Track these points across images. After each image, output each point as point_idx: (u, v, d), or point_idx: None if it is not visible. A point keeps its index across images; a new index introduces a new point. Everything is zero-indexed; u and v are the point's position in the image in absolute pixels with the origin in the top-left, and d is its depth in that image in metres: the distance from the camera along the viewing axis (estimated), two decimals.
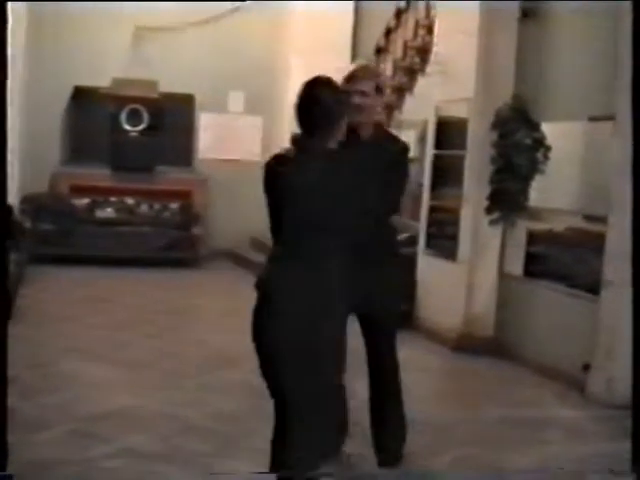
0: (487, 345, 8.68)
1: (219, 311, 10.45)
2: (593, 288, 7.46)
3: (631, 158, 4.56)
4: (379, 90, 5.11)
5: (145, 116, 13.37)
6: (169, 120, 13.60)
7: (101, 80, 13.16)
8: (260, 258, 13.29)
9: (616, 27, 7.29)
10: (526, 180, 8.46)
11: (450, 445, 5.84)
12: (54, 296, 10.37)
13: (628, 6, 7.13)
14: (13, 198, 10.43)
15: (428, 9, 10.81)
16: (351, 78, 5.05)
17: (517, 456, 5.89)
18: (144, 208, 13.31)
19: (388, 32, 11.94)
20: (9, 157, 4.54)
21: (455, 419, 6.47)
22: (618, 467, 5.85)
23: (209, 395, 6.82)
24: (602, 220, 7.37)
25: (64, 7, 13.28)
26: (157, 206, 13.36)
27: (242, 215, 14.04)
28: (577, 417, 6.93)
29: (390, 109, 11.35)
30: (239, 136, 14.73)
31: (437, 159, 9.62)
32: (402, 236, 10.12)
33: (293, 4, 14.21)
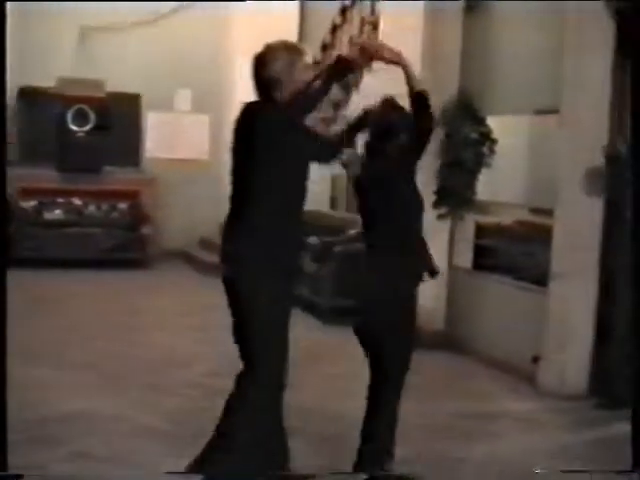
0: (438, 339, 8.71)
1: (168, 311, 10.39)
2: (541, 280, 7.51)
3: (631, 156, 4.60)
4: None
5: (92, 116, 13.24)
6: (116, 120, 13.47)
7: (47, 80, 13.03)
8: (210, 258, 13.27)
9: (561, 20, 7.35)
10: (473, 174, 8.51)
11: (403, 438, 5.84)
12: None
13: None
14: None
15: (373, 6, 10.83)
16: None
17: (469, 448, 5.92)
18: (92, 209, 13.20)
19: (334, 29, 11.95)
20: None
21: (407, 412, 6.46)
22: (570, 457, 5.92)
23: (159, 396, 6.77)
24: (549, 212, 7.43)
25: (9, 6, 13.10)
26: (105, 207, 13.25)
27: (191, 214, 14.00)
28: (528, 409, 6.98)
29: (336, 106, 11.34)
30: (186, 135, 14.67)
31: None
32: (351, 232, 10.16)
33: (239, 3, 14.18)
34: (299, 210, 4.79)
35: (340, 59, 4.71)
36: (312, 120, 4.85)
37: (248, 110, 4.78)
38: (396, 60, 4.93)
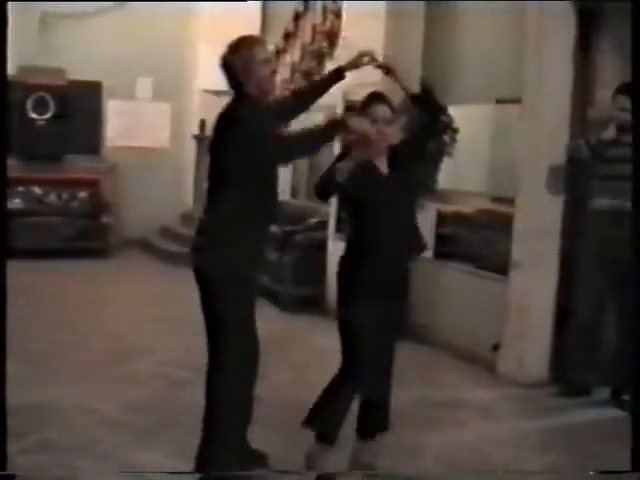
0: None
1: (130, 301, 10.36)
2: (502, 269, 7.55)
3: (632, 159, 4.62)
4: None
5: (52, 104, 13.15)
6: (76, 108, 13.39)
7: (7, 68, 12.90)
8: (171, 247, 13.23)
9: (523, 10, 7.38)
10: (434, 163, 8.53)
11: None
12: None
13: None
14: None
15: None
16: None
17: (431, 436, 5.96)
18: (52, 198, 13.10)
19: (297, 17, 11.93)
20: None
21: None
22: (528, 445, 5.97)
23: (122, 387, 6.75)
24: (510, 201, 7.47)
25: None
26: (65, 195, 13.16)
27: (152, 203, 13.93)
28: (489, 397, 7.02)
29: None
30: (147, 123, 14.56)
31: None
32: (311, 220, 10.16)
33: None
34: (269, 204, 4.90)
35: (337, 124, 4.72)
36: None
37: (225, 110, 4.88)
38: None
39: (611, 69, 7.29)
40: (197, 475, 4.83)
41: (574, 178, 7.08)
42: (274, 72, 4.96)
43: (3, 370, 4.06)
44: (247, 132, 4.59)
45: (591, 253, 6.85)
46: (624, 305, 6.68)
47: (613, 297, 6.81)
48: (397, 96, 5.41)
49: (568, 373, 7.05)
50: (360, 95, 9.19)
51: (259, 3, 14.38)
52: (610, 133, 6.72)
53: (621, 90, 6.70)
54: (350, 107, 9.52)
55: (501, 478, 5.57)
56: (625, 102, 6.56)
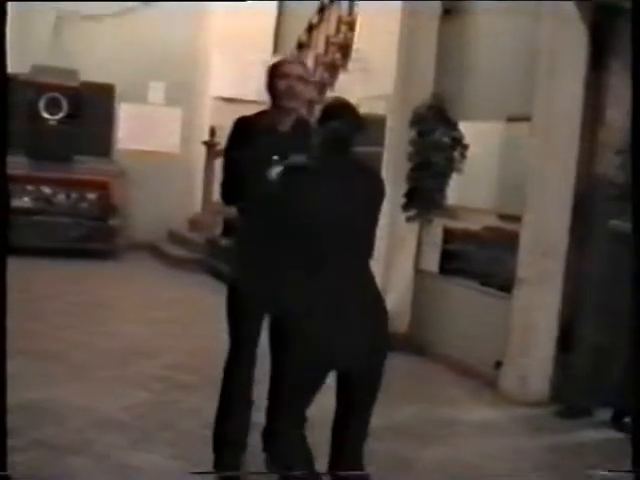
0: (402, 342, 8.72)
1: (135, 303, 10.38)
2: (507, 286, 7.56)
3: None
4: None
5: (64, 105, 13.20)
6: (88, 109, 13.43)
7: (21, 68, 12.95)
8: (178, 251, 13.27)
9: (535, 28, 7.41)
10: (443, 178, 8.54)
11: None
12: None
13: (547, 5, 7.28)
14: None
15: (351, 5, 10.86)
16: (281, 64, 4.98)
17: (430, 452, 5.95)
18: (61, 198, 13.13)
19: (310, 28, 11.97)
20: None
21: None
22: (527, 463, 5.97)
23: (124, 387, 6.75)
24: (517, 219, 7.48)
25: None
26: (74, 196, 13.19)
27: (160, 207, 13.97)
28: (490, 414, 7.02)
29: (311, 104, 11.36)
30: (158, 127, 14.60)
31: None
32: None
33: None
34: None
35: None
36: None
37: None
38: None
39: (622, 89, 7.30)
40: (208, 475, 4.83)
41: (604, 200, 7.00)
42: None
43: (3, 370, 4.06)
44: None
45: (603, 274, 6.81)
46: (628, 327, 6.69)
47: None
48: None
49: (569, 393, 7.04)
50: (371, 107, 9.33)
51: (273, 12, 14.44)
52: None
53: None
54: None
55: None
56: None
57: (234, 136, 4.86)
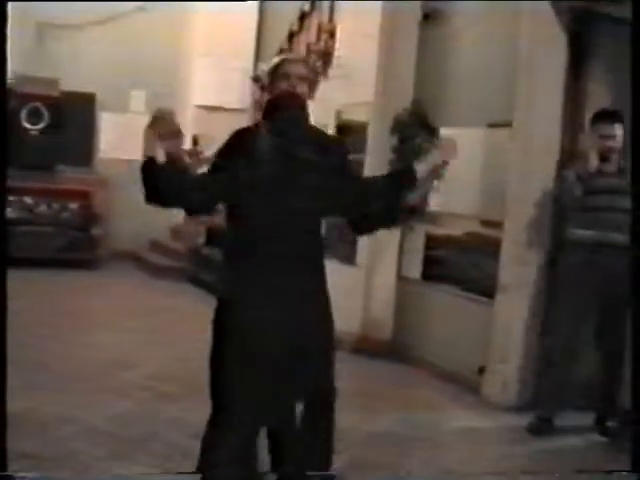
0: (385, 348, 8.76)
1: (117, 313, 10.35)
2: (489, 292, 7.57)
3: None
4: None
5: (45, 114, 13.16)
6: (70, 119, 13.39)
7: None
8: (160, 260, 13.25)
9: (515, 34, 7.44)
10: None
11: (348, 446, 5.87)
12: None
13: (527, 10, 7.32)
14: None
15: (331, 13, 10.85)
16: (281, 64, 4.80)
17: (414, 458, 5.96)
18: (43, 208, 13.09)
19: (291, 35, 11.96)
20: None
21: (353, 421, 6.51)
22: (515, 468, 5.98)
23: (106, 398, 6.74)
24: (499, 225, 7.50)
25: None
26: (56, 206, 13.15)
27: (143, 216, 13.87)
28: (473, 419, 7.03)
29: None
30: (140, 136, 14.53)
31: None
32: None
33: (198, 4, 14.18)
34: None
35: None
36: None
37: None
38: None
39: (601, 95, 7.34)
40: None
41: (562, 212, 7.02)
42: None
43: (3, 371, 4.06)
44: None
45: (569, 286, 6.81)
46: (605, 335, 6.71)
47: (593, 326, 6.79)
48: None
49: (538, 404, 6.99)
50: (352, 114, 9.35)
51: (254, 20, 14.45)
52: (593, 163, 6.63)
53: (600, 116, 6.69)
54: (343, 126, 9.58)
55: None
56: (604, 129, 6.55)
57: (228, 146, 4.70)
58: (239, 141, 4.37)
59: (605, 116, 6.63)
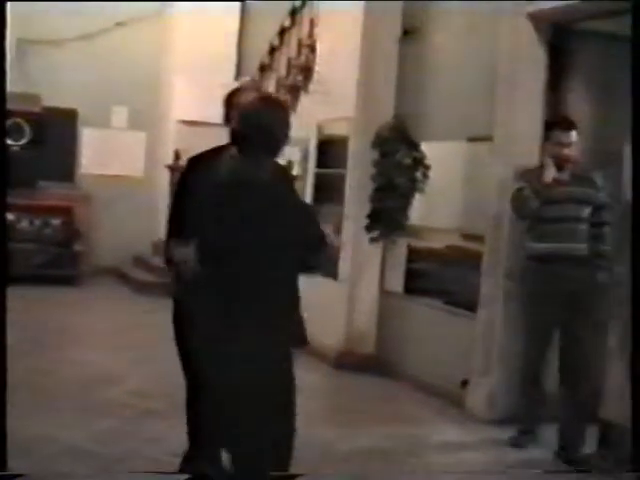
0: (368, 362, 8.76)
1: (100, 329, 10.33)
2: (471, 305, 7.59)
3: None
4: None
5: (27, 130, 13.16)
6: (51, 135, 13.40)
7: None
8: (143, 276, 13.22)
9: (495, 49, 7.48)
10: (406, 199, 8.58)
11: (333, 461, 5.88)
12: None
13: (507, 25, 7.37)
14: None
15: (312, 28, 10.88)
16: (238, 90, 4.88)
17: (397, 472, 5.96)
18: (25, 224, 13.07)
19: (272, 50, 11.99)
20: None
21: (337, 435, 6.51)
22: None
23: (89, 415, 6.71)
24: (480, 238, 7.52)
25: None
26: (38, 222, 13.13)
27: (125, 232, 13.91)
28: (457, 432, 7.04)
29: None
30: (122, 152, 14.58)
31: (319, 177, 9.70)
32: None
33: (178, 19, 14.20)
34: None
35: None
36: None
37: None
38: None
39: (581, 109, 7.38)
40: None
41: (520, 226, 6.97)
42: None
43: (3, 371, 4.06)
44: None
45: (531, 300, 6.79)
46: (566, 349, 6.60)
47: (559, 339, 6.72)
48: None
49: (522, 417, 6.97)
50: (333, 129, 9.37)
51: (235, 36, 14.47)
52: (550, 173, 6.50)
53: (555, 124, 6.63)
54: (325, 141, 9.61)
55: None
56: (560, 136, 6.51)
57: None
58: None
59: (561, 123, 6.60)
